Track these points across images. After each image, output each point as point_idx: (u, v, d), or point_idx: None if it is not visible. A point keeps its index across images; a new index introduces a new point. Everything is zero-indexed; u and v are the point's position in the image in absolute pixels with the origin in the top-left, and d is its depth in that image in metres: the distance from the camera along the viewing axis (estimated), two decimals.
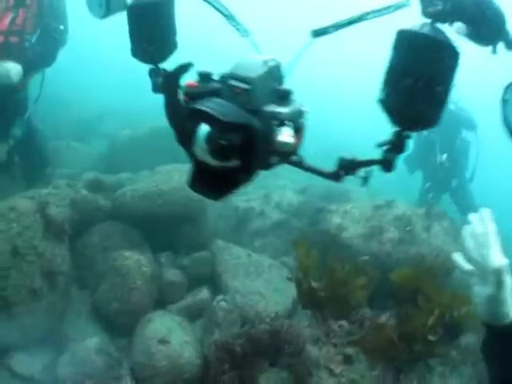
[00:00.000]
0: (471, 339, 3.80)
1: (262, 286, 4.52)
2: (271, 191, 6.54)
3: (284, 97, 1.43)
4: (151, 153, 7.51)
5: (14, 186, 5.22)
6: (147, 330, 3.75)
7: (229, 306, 4.03)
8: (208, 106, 1.32)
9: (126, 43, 1.91)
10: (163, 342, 3.60)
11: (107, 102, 11.23)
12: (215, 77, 1.52)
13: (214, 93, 1.45)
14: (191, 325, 4.12)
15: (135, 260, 4.20)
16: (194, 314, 4.27)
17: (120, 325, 4.01)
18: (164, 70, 1.85)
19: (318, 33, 1.71)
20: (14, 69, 4.42)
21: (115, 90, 12.87)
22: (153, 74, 1.88)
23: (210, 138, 1.31)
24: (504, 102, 1.56)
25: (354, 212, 4.90)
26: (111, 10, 2.04)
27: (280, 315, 3.86)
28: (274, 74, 1.49)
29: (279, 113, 1.39)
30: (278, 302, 4.21)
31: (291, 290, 3.86)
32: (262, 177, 5.76)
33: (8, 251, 3.56)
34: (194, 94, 1.47)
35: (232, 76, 1.44)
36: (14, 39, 4.58)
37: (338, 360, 2.88)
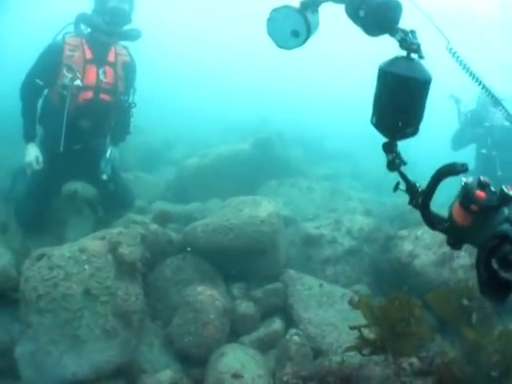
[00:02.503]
0: None
1: (334, 316, 4.48)
2: (341, 215, 6.50)
3: None
4: (219, 180, 7.68)
5: (82, 221, 5.49)
6: (220, 364, 3.78)
7: (302, 340, 4.02)
8: None
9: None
10: (236, 376, 3.62)
11: (171, 130, 11.52)
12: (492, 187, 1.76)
13: (498, 207, 1.70)
14: (264, 357, 4.13)
15: (208, 295, 4.26)
16: (266, 346, 4.28)
17: (193, 357, 4.07)
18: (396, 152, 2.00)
19: None
20: None
21: (178, 119, 13.16)
22: (389, 150, 2.01)
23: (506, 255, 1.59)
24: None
25: (425, 237, 4.81)
26: (308, 38, 2.07)
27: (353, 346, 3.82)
28: None
29: None
30: (350, 333, 4.15)
31: (363, 320, 3.81)
32: (331, 199, 5.78)
33: (80, 293, 3.66)
34: (483, 206, 1.73)
35: None
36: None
37: None
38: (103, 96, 5.19)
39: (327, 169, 9.79)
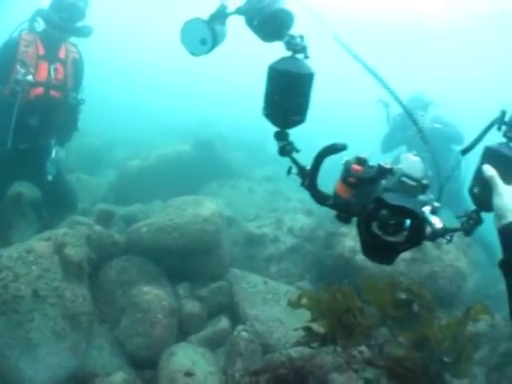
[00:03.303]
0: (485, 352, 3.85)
1: (280, 312, 4.56)
2: (282, 215, 6.63)
3: (426, 188, 1.94)
4: (160, 182, 7.69)
5: (27, 223, 5.41)
6: (171, 363, 3.80)
7: (250, 336, 4.08)
8: (403, 201, 1.82)
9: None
10: (189, 374, 3.65)
11: (113, 132, 11.41)
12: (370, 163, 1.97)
13: (375, 179, 1.94)
14: (214, 355, 4.17)
15: (154, 294, 4.27)
16: (215, 344, 4.33)
17: (143, 358, 4.06)
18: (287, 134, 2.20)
19: None
20: None
21: (121, 121, 13.05)
22: (280, 138, 2.18)
23: (384, 219, 1.84)
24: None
25: None
26: (216, 45, 2.27)
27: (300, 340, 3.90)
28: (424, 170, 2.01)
29: (429, 202, 1.93)
30: (296, 327, 4.25)
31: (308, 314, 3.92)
32: (272, 199, 5.91)
33: (29, 294, 3.61)
34: (360, 178, 1.95)
35: (403, 173, 1.93)
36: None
37: None
38: (53, 93, 5.20)
39: (268, 171, 9.94)
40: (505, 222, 1.72)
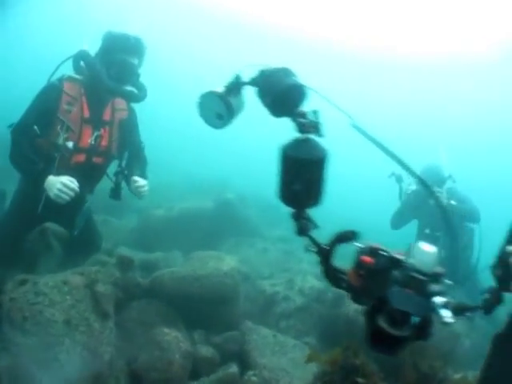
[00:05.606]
0: None
1: (286, 363, 4.90)
2: (294, 275, 7.02)
3: (439, 277, 1.89)
4: (181, 233, 8.15)
5: (52, 255, 5.73)
6: None
7: (259, 380, 4.43)
8: (402, 304, 1.77)
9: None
10: None
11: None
12: (384, 253, 1.95)
13: (386, 272, 1.90)
14: None
15: (174, 336, 4.63)
16: None
17: None
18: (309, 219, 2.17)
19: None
20: None
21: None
22: (298, 217, 2.17)
23: (392, 313, 1.78)
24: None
25: None
26: (232, 118, 2.24)
27: None
28: (436, 261, 1.91)
29: (441, 293, 1.84)
30: (300, 378, 4.56)
31: (313, 368, 4.24)
32: (285, 259, 6.36)
33: (62, 321, 3.97)
34: (369, 270, 1.93)
35: (412, 268, 1.86)
36: None
37: None
38: (96, 159, 4.82)
39: (283, 230, 10.36)
40: None
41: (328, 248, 2.08)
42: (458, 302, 1.89)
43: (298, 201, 2.12)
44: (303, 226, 2.15)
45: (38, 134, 4.50)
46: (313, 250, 2.13)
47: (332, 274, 2.09)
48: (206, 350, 4.93)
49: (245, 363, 4.96)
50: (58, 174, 4.38)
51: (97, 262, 5.48)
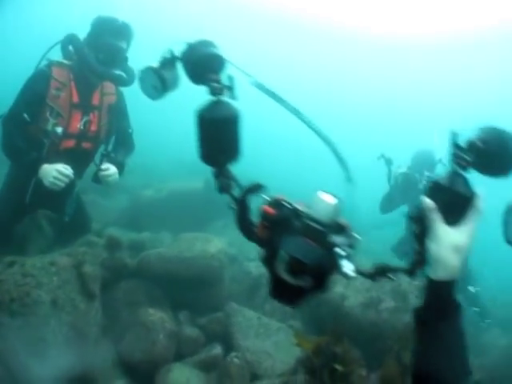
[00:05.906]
0: None
1: (269, 346, 4.98)
2: None
3: (342, 229, 1.82)
4: (170, 214, 8.17)
5: (42, 236, 5.75)
6: (168, 379, 4.23)
7: (241, 362, 4.50)
8: (294, 250, 1.72)
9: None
10: None
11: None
12: (286, 204, 1.88)
13: (287, 222, 1.84)
14: (206, 375, 4.57)
15: (158, 317, 4.71)
16: (207, 367, 4.68)
17: (142, 372, 4.44)
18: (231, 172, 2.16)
19: None
20: None
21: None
22: (219, 176, 2.18)
23: (289, 262, 1.71)
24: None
25: (355, 282, 5.39)
26: (166, 91, 2.33)
27: (285, 373, 4.32)
28: (337, 211, 1.85)
29: (342, 244, 1.77)
30: (283, 361, 4.64)
31: (296, 351, 4.31)
32: None
33: (49, 301, 4.02)
34: (272, 221, 1.87)
35: (308, 217, 1.82)
36: None
37: None
38: (85, 144, 4.80)
39: None
40: (435, 276, 1.61)
41: (240, 200, 2.08)
42: (379, 263, 1.87)
43: (215, 159, 2.16)
44: (223, 185, 2.16)
45: (29, 122, 4.47)
46: (234, 207, 2.12)
47: (246, 227, 2.08)
48: (191, 331, 5.02)
49: (229, 345, 5.04)
50: (48, 159, 4.39)
51: (86, 242, 5.53)
